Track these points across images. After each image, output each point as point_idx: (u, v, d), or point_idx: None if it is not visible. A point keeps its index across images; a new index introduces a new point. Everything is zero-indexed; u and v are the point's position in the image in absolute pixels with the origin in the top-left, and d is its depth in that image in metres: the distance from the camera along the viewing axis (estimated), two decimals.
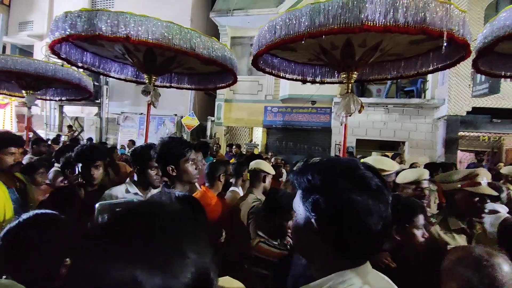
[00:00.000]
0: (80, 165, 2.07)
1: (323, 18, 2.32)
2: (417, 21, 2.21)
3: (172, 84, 4.89)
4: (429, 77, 8.52)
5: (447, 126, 7.60)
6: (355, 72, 3.05)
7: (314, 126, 9.81)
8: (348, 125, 9.95)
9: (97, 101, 11.43)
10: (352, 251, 0.68)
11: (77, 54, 3.92)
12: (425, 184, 2.13)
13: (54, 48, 3.52)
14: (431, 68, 3.43)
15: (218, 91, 10.26)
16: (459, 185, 1.76)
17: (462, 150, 9.04)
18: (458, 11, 2.41)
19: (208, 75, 4.69)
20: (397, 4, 2.18)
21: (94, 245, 0.41)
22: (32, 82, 5.24)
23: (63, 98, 6.96)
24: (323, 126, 9.63)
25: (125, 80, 4.67)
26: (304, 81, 4.23)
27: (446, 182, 1.86)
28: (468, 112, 7.29)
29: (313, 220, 0.69)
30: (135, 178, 2.06)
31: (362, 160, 0.89)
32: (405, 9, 2.18)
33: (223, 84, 4.73)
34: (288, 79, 4.18)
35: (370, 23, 2.18)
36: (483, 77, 6.53)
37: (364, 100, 8.51)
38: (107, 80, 11.02)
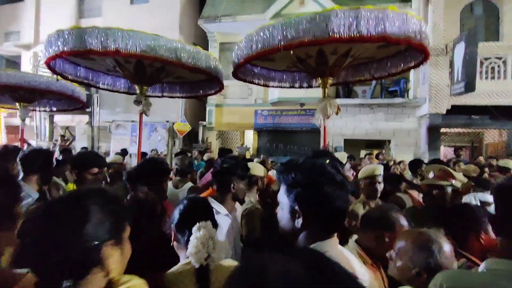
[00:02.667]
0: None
1: (294, 32, 2.56)
2: (379, 31, 2.46)
3: (164, 94, 5.06)
4: (411, 77, 8.86)
5: (429, 123, 7.93)
6: (330, 78, 3.30)
7: (304, 127, 10.06)
8: (336, 126, 10.09)
9: (87, 109, 11.47)
10: (327, 226, 0.95)
11: (70, 69, 4.08)
12: (379, 178, 2.34)
13: (50, 64, 3.69)
14: (399, 69, 3.68)
15: (208, 97, 10.42)
16: None
17: (445, 146, 9.40)
18: (415, 19, 2.68)
19: (198, 83, 4.87)
20: (360, 17, 2.43)
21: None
22: (26, 95, 5.35)
23: (55, 109, 7.05)
24: (312, 128, 9.86)
25: (118, 91, 4.83)
26: (289, 87, 4.48)
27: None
28: (448, 110, 7.63)
29: (297, 208, 0.93)
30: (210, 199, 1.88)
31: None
32: (366, 21, 2.43)
33: (212, 92, 4.92)
34: (268, 86, 4.42)
35: (336, 35, 2.43)
36: (460, 76, 6.87)
37: (350, 101, 8.91)
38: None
